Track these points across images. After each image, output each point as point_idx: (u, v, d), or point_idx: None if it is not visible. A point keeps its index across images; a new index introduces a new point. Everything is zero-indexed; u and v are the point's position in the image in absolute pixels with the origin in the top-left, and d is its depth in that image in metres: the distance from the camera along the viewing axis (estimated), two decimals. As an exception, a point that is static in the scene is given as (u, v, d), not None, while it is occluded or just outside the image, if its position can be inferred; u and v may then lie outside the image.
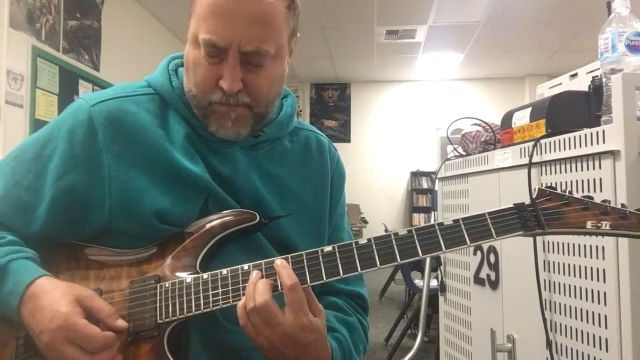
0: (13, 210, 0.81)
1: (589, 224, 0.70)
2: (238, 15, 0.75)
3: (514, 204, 0.72)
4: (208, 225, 0.79)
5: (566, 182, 1.15)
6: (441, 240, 0.71)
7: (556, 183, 1.18)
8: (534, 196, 0.73)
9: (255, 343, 0.72)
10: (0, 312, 0.75)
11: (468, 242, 0.71)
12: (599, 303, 1.05)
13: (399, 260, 0.71)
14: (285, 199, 0.88)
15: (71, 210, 0.79)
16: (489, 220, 0.71)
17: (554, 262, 1.20)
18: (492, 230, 0.71)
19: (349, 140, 8.50)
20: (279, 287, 0.72)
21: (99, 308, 0.72)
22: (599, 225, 0.69)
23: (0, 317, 0.76)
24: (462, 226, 0.71)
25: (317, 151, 0.96)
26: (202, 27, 0.76)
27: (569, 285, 1.14)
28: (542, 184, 1.24)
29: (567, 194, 0.72)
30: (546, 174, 1.23)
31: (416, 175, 8.22)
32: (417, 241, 0.71)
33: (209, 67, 0.78)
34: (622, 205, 0.71)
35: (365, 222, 7.51)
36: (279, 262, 0.73)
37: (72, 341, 0.68)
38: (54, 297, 0.70)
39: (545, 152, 1.22)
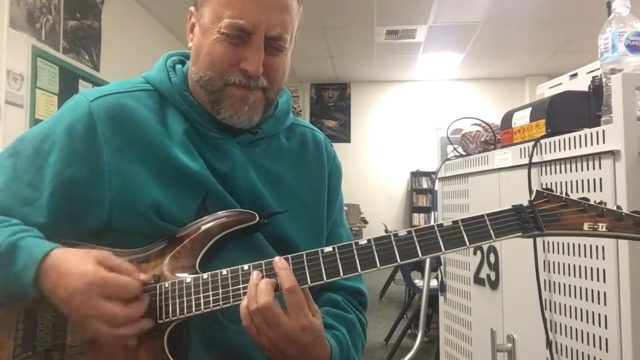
0: (15, 203, 0.81)
1: (585, 226, 0.71)
2: (265, 1, 0.79)
3: (512, 206, 0.73)
4: (207, 225, 0.79)
5: (566, 182, 1.15)
6: (440, 241, 0.71)
7: (556, 183, 1.18)
8: (531, 198, 0.73)
9: (257, 343, 0.72)
10: (14, 289, 0.74)
11: (467, 243, 0.71)
12: (599, 303, 1.05)
13: (398, 260, 0.71)
14: (283, 195, 0.88)
15: (71, 205, 0.80)
16: (487, 222, 0.72)
17: (554, 262, 1.20)
18: (491, 232, 0.71)
19: (349, 140, 8.50)
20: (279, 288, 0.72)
21: (120, 265, 0.73)
22: (596, 227, 0.70)
23: (10, 299, 0.76)
24: (461, 227, 0.72)
25: (313, 148, 0.97)
26: (227, 12, 0.78)
27: (569, 285, 1.14)
28: (542, 184, 1.24)
29: (564, 195, 0.72)
30: (546, 174, 1.23)
31: (416, 175, 8.22)
32: (416, 242, 0.72)
33: (230, 48, 0.80)
34: (618, 207, 0.72)
35: (365, 222, 7.51)
36: (278, 260, 0.73)
37: (105, 295, 0.69)
38: (75, 261, 0.72)
39: (545, 152, 1.22)
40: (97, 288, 0.69)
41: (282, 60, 0.84)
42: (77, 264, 0.71)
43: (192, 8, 0.87)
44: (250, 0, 0.78)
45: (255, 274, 0.72)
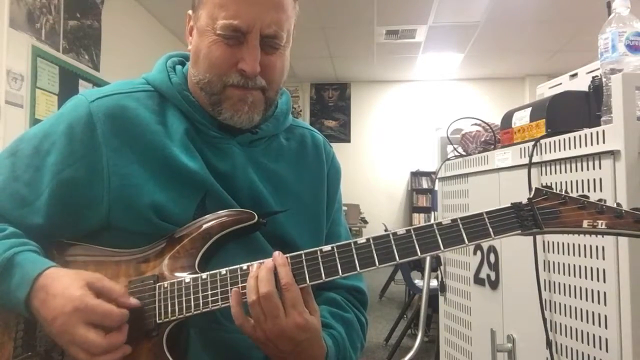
0: (12, 204, 0.81)
1: (585, 223, 0.71)
2: (259, 0, 0.79)
3: (511, 204, 0.73)
4: (206, 225, 0.79)
5: (566, 182, 1.15)
6: (439, 240, 0.71)
7: (556, 183, 1.18)
8: (531, 196, 0.73)
9: (252, 338, 0.72)
10: (7, 305, 0.75)
11: (466, 241, 0.71)
12: (599, 303, 1.05)
13: (397, 259, 0.71)
14: (283, 195, 0.89)
15: (70, 205, 0.80)
16: (486, 220, 0.72)
17: (554, 262, 1.19)
18: (490, 230, 0.71)
19: (349, 140, 8.49)
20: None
21: (110, 288, 0.73)
22: (595, 224, 0.70)
23: (3, 312, 0.76)
24: (460, 226, 0.72)
25: (312, 148, 0.97)
26: (222, 13, 0.79)
27: (569, 285, 1.14)
28: (542, 184, 1.23)
29: (563, 193, 0.72)
30: (546, 174, 1.23)
31: (416, 175, 8.22)
32: (415, 240, 0.72)
33: (227, 49, 0.80)
34: (618, 204, 0.71)
35: (365, 222, 7.51)
36: (277, 255, 0.73)
37: (88, 322, 0.69)
38: (64, 283, 0.71)
39: (545, 152, 1.22)
40: (80, 314, 0.69)
41: (279, 59, 0.84)
42: (65, 287, 0.71)
43: (190, 11, 0.87)
44: (244, 0, 0.78)
45: (255, 266, 0.72)
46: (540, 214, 0.71)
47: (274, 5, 0.80)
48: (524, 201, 0.73)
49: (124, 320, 0.71)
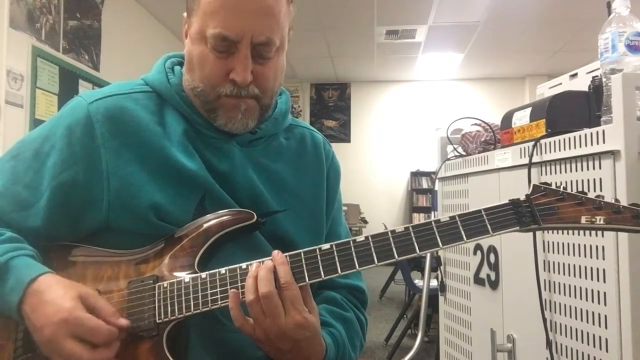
0: (12, 207, 0.81)
1: (583, 219, 0.71)
2: (249, 8, 0.77)
3: (509, 200, 0.73)
4: (206, 225, 0.79)
5: (566, 182, 1.15)
6: (438, 237, 0.71)
7: (556, 183, 1.18)
8: (529, 192, 0.73)
9: (252, 337, 0.72)
10: (1, 309, 0.74)
11: (464, 238, 0.71)
12: (599, 303, 1.05)
13: (396, 256, 0.71)
14: (282, 194, 0.89)
15: (69, 207, 0.80)
16: (484, 217, 0.72)
17: (554, 262, 1.19)
18: (488, 226, 0.71)
19: (349, 140, 8.50)
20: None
21: (101, 307, 0.72)
22: (593, 220, 0.70)
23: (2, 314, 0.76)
24: (459, 222, 0.72)
25: (312, 147, 0.97)
26: (212, 22, 0.77)
27: (569, 285, 1.14)
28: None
29: (561, 189, 0.72)
30: (546, 174, 1.23)
31: (416, 175, 8.22)
32: (414, 238, 0.72)
33: (218, 61, 0.79)
34: (616, 200, 0.71)
35: (365, 222, 7.51)
36: (276, 254, 0.73)
37: (75, 335, 0.68)
38: (58, 292, 0.71)
39: (545, 152, 1.22)
40: (68, 326, 0.68)
41: (272, 66, 0.83)
42: (58, 296, 0.70)
43: (185, 14, 0.87)
44: (233, 9, 0.77)
45: (254, 266, 0.72)
46: (539, 210, 0.71)
47: (264, 13, 0.78)
48: (522, 198, 0.73)
49: (112, 338, 0.70)
